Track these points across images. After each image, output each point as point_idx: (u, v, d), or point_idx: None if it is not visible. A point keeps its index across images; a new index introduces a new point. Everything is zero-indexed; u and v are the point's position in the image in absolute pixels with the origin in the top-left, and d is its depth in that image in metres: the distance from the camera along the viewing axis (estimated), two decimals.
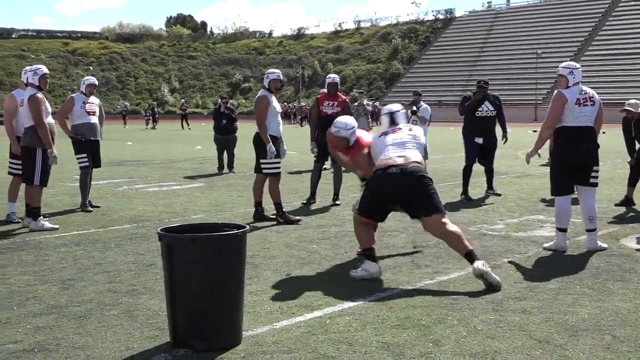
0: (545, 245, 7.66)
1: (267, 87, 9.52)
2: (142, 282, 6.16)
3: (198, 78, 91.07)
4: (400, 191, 6.28)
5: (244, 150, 18.29)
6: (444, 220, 6.25)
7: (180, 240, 4.54)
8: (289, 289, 5.98)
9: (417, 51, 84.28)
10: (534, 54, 68.93)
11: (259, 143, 9.38)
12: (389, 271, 6.56)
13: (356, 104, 17.43)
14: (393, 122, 7.00)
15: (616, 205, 10.61)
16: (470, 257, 6.05)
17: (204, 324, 4.49)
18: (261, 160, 9.39)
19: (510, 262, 7.00)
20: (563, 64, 7.74)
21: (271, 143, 9.27)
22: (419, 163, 6.48)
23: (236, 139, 17.27)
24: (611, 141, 20.46)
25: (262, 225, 9.12)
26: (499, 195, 11.74)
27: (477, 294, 5.77)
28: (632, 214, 10.04)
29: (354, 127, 6.98)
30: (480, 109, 11.39)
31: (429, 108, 14.08)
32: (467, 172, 11.60)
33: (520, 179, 14.67)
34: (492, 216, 9.90)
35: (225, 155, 17.02)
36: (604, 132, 10.62)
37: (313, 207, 10.86)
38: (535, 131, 8.95)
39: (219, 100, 18.29)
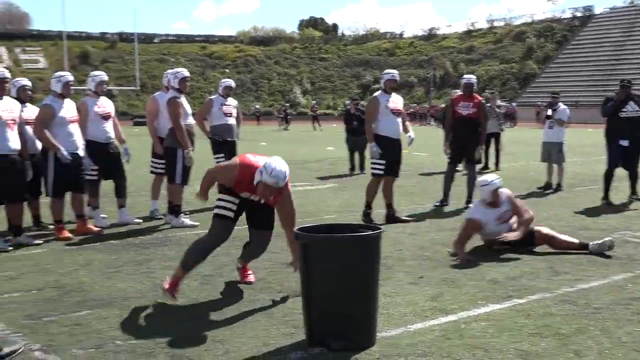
0: None
1: (383, 87, 9.49)
2: (278, 280, 6.30)
3: (329, 80, 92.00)
4: None
5: None
6: None
7: (317, 240, 4.59)
8: (422, 291, 5.94)
9: (553, 50, 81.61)
10: None
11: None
12: (525, 277, 6.40)
13: (488, 105, 17.06)
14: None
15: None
16: None
17: (339, 324, 4.52)
18: (371, 161, 9.51)
19: None
20: None
21: (374, 142, 9.30)
22: None
23: (366, 140, 17.27)
24: None
25: (394, 227, 9.09)
26: None
27: (620, 304, 5.53)
28: None
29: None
30: (624, 109, 10.87)
31: (567, 110, 13.58)
32: (608, 176, 11.10)
33: None
34: (636, 222, 9.44)
35: (356, 156, 17.11)
36: None
37: (446, 209, 10.72)
38: None
39: (350, 101, 18.40)
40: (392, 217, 9.51)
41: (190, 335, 4.84)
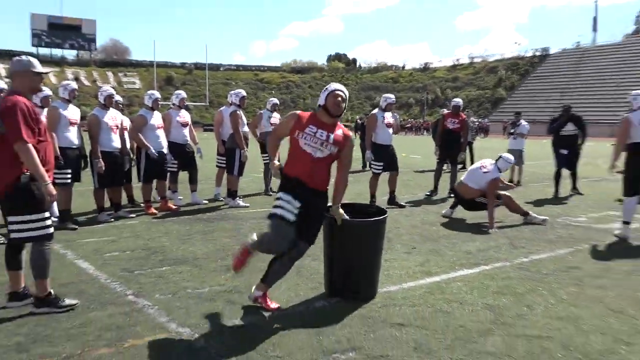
0: (616, 232, 7.17)
1: (382, 107, 9.38)
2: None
3: (349, 100, 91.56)
4: None
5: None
6: None
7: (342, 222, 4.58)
8: (413, 259, 5.92)
9: (517, 80, 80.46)
10: (614, 84, 64.07)
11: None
12: (491, 249, 6.34)
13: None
14: None
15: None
16: None
17: (353, 281, 4.53)
18: (371, 162, 9.39)
19: (590, 247, 6.58)
20: (632, 92, 7.24)
21: (370, 150, 9.25)
22: None
23: (372, 145, 17.20)
24: None
25: (394, 210, 9.05)
26: (582, 194, 11.02)
27: (562, 271, 5.47)
28: None
29: None
30: (564, 128, 10.95)
31: (527, 125, 13.41)
32: (557, 176, 11.06)
33: (599, 183, 13.68)
34: (576, 210, 9.32)
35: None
36: None
37: (434, 198, 10.66)
38: (612, 144, 8.28)
39: (363, 115, 18.33)
40: (392, 201, 9.50)
41: (242, 286, 4.88)
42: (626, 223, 7.04)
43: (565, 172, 11.21)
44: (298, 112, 4.41)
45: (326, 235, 4.63)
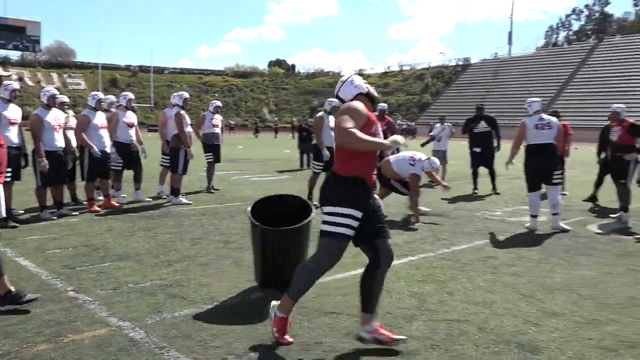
0: (526, 224, 7.49)
1: (327, 110, 9.35)
2: (247, 243, 6.20)
3: (288, 103, 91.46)
4: None
5: None
6: None
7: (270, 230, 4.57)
8: (347, 251, 5.94)
9: (442, 87, 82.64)
10: (526, 91, 66.97)
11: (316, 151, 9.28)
12: (417, 242, 6.47)
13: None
14: None
15: (584, 200, 10.21)
16: None
17: (280, 272, 4.51)
18: (313, 162, 9.35)
19: (505, 238, 6.82)
20: (528, 100, 7.67)
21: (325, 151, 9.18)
22: None
23: (314, 146, 17.26)
24: (581, 155, 19.64)
25: None
26: (498, 194, 11.24)
27: (480, 261, 5.64)
28: (596, 208, 9.64)
29: None
30: (477, 127, 11.22)
31: (450, 127, 13.76)
32: (474, 174, 11.40)
33: (513, 180, 14.21)
34: (492, 206, 9.65)
35: (305, 156, 17.08)
36: (576, 148, 10.13)
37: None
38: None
39: (303, 119, 18.33)
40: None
41: (182, 280, 4.77)
42: (533, 216, 7.35)
43: (484, 171, 11.53)
44: (358, 104, 3.41)
45: (256, 240, 4.57)
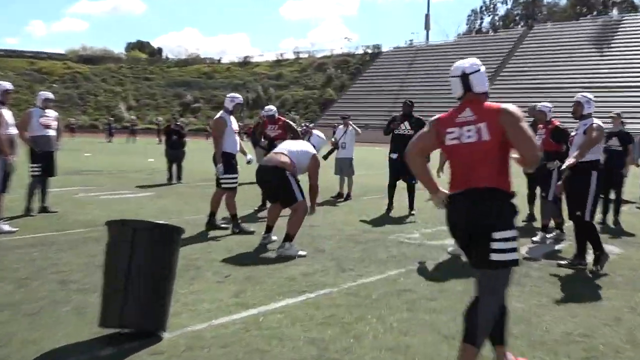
0: (449, 249, 7.79)
1: (230, 109, 9.24)
2: (93, 282, 5.93)
3: (153, 97, 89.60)
4: None
5: (191, 163, 18.08)
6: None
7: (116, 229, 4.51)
8: (227, 289, 5.89)
9: (348, 80, 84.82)
10: (446, 86, 70.35)
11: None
12: (317, 274, 6.53)
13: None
14: None
15: (523, 222, 10.48)
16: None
17: (133, 309, 4.40)
18: (221, 177, 9.08)
19: (423, 265, 7.06)
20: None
21: (221, 162, 9.00)
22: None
23: (184, 153, 17.07)
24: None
25: (209, 232, 8.97)
26: (413, 214, 11.36)
27: (393, 295, 5.79)
28: (535, 227, 10.22)
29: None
30: (400, 127, 11.14)
31: (354, 130, 14.03)
32: (390, 188, 11.39)
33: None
34: (409, 227, 9.98)
35: (174, 167, 16.78)
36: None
37: (260, 214, 10.78)
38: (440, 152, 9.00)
39: (172, 118, 18.05)
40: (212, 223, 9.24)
41: (1, 338, 4.45)
42: None
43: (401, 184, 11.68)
44: (434, 121, 3.95)
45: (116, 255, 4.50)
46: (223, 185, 9.13)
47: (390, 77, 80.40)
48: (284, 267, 6.79)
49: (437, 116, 3.92)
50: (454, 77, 3.85)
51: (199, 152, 21.24)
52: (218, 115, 9.29)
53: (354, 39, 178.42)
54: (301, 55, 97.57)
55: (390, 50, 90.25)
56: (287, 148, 7.90)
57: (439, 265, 7.16)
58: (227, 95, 9.50)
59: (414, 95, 72.91)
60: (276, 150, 8.00)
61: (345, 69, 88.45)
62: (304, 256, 7.35)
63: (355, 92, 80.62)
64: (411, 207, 11.39)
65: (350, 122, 14.04)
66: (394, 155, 11.13)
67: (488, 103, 3.78)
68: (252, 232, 8.88)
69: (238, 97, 9.45)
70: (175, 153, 16.86)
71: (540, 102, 9.71)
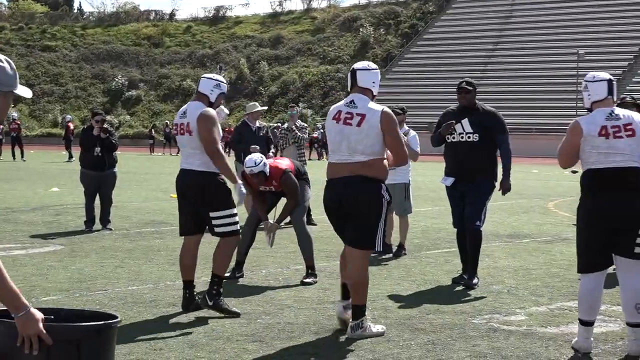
0: (573, 342, 7.78)
1: (212, 101, 9.41)
2: None
3: (57, 81, 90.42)
4: None
5: (128, 195, 18.19)
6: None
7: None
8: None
9: (397, 47, 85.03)
10: (574, 55, 70.27)
11: (201, 184, 9.26)
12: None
13: (285, 125, 17.99)
14: None
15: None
16: None
17: None
18: (212, 214, 9.24)
19: None
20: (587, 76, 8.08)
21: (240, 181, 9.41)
22: None
23: (115, 177, 17.09)
24: None
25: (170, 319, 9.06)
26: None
27: None
28: None
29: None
30: (454, 130, 11.09)
31: (416, 136, 13.89)
32: (459, 238, 11.34)
33: (550, 245, 14.76)
34: (507, 302, 9.97)
35: (97, 201, 16.85)
36: None
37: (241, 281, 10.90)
38: (574, 172, 9.01)
39: (91, 117, 18.13)
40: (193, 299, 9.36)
41: None
42: (583, 324, 7.67)
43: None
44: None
45: None
46: (220, 230, 9.30)
47: (470, 38, 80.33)
48: None
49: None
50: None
51: (140, 175, 21.27)
52: (205, 108, 9.32)
53: None
54: (314, 5, 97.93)
55: None
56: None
57: None
58: (205, 77, 9.60)
59: (508, 69, 72.77)
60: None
61: (393, 28, 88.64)
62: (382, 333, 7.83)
63: (410, 65, 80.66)
64: (471, 271, 11.22)
65: (406, 125, 13.92)
66: (448, 181, 11.19)
67: None
68: (237, 314, 9.08)
69: (222, 82, 9.58)
70: (99, 177, 16.87)
71: None
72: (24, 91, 4.55)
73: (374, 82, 8.51)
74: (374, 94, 8.47)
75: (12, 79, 4.44)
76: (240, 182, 9.41)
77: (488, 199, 11.07)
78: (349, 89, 8.62)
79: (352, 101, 8.39)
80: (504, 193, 11.28)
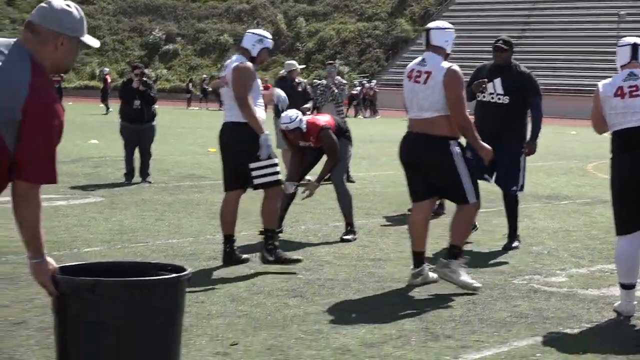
0: (616, 304, 7.76)
1: (254, 56, 9.51)
2: (9, 350, 6.08)
3: (95, 34, 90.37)
4: None
5: (166, 149, 18.26)
6: None
7: (77, 287, 4.44)
8: None
9: (435, 5, 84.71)
10: (615, 15, 69.72)
11: (241, 137, 9.37)
12: (389, 344, 6.55)
13: (324, 81, 18.00)
14: None
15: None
16: None
17: None
18: (252, 165, 9.35)
19: (578, 333, 7.06)
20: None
21: (266, 131, 9.37)
22: None
23: (154, 131, 17.13)
24: None
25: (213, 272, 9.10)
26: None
27: None
28: None
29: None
30: (484, 89, 11.05)
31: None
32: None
33: (590, 207, 14.72)
34: (547, 263, 9.97)
35: (137, 154, 16.89)
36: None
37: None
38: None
39: (130, 70, 18.17)
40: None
41: None
42: (625, 287, 7.64)
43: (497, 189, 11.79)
44: None
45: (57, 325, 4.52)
46: (259, 180, 9.41)
47: None
48: (329, 330, 6.83)
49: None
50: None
51: (177, 129, 21.38)
52: (241, 61, 9.37)
53: None
54: None
55: None
56: None
57: (603, 332, 7.16)
58: (249, 32, 9.67)
59: (550, 29, 72.32)
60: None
61: None
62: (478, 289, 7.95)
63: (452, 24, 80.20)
64: (512, 234, 11.25)
65: None
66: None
67: None
68: (298, 261, 9.42)
69: (266, 37, 9.63)
70: (138, 130, 16.96)
71: None
72: (91, 40, 4.50)
73: (446, 41, 8.67)
74: (447, 52, 8.62)
75: (79, 24, 4.37)
76: (266, 132, 9.39)
77: (520, 161, 11.03)
78: (425, 47, 8.80)
79: (423, 59, 8.63)
80: (527, 154, 11.20)
